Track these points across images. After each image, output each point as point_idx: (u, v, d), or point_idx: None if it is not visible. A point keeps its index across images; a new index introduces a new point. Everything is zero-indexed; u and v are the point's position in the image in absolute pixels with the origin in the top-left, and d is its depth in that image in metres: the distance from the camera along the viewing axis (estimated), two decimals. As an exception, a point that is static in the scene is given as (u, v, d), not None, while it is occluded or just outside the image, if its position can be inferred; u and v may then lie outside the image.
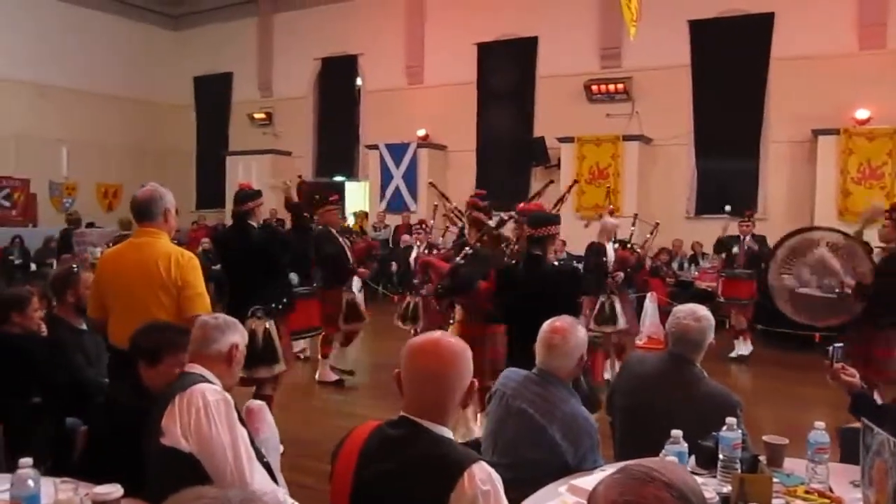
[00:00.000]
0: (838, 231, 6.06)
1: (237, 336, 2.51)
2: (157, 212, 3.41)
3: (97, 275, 3.53)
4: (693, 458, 2.46)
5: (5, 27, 15.25)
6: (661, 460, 1.75)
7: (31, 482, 2.00)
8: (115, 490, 2.04)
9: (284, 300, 5.09)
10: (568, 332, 2.73)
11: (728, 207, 8.96)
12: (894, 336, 5.34)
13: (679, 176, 12.42)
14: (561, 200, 6.27)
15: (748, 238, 8.57)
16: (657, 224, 8.16)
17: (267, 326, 4.88)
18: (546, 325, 2.79)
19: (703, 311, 2.97)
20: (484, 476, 1.70)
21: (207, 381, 2.35)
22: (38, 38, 15.64)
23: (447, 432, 1.83)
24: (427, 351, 1.85)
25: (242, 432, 2.29)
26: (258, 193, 5.12)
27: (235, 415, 2.28)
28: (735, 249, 8.66)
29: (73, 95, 16.30)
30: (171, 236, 3.50)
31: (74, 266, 4.03)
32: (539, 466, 2.54)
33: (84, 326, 3.80)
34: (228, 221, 9.77)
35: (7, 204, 15.10)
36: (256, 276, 4.92)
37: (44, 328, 3.79)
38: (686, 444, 2.36)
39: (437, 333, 1.94)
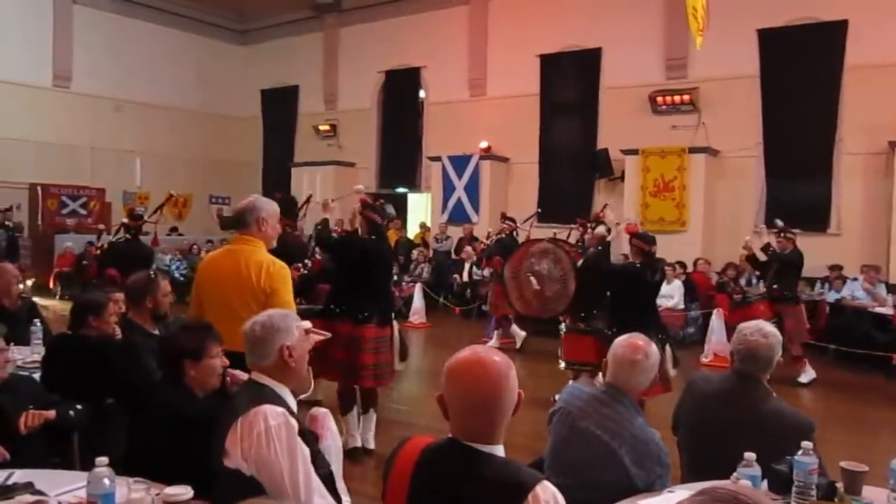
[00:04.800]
0: (546, 239, 7.49)
1: (283, 337, 2.38)
2: (250, 220, 3.56)
3: (197, 278, 3.71)
4: (765, 482, 2.38)
5: (84, 46, 16.00)
6: (741, 485, 1.70)
7: (106, 481, 2.06)
8: (185, 492, 2.09)
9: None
10: (648, 349, 2.71)
11: (779, 222, 8.59)
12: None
13: (747, 189, 12.09)
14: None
15: (785, 254, 8.09)
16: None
17: (398, 327, 5.31)
18: (624, 342, 2.74)
19: (769, 327, 2.91)
20: (548, 497, 1.65)
21: (272, 395, 2.32)
22: (115, 56, 16.34)
23: (500, 450, 1.76)
24: (472, 374, 1.74)
25: (304, 454, 2.23)
26: None
27: (297, 439, 2.23)
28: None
29: (146, 109, 16.95)
30: (268, 245, 3.61)
31: (152, 272, 4.14)
32: (607, 489, 2.49)
33: (156, 331, 3.90)
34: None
35: (83, 212, 15.72)
36: (385, 280, 5.36)
37: (118, 332, 3.93)
38: (759, 468, 2.28)
39: (479, 350, 1.81)
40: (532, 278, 7.04)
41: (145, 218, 8.63)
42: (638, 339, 2.76)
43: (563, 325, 6.52)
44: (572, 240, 8.33)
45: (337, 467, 2.83)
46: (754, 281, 10.97)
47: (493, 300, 9.52)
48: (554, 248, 7.10)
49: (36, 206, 15.22)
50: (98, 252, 10.43)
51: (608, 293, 6.16)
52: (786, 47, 11.61)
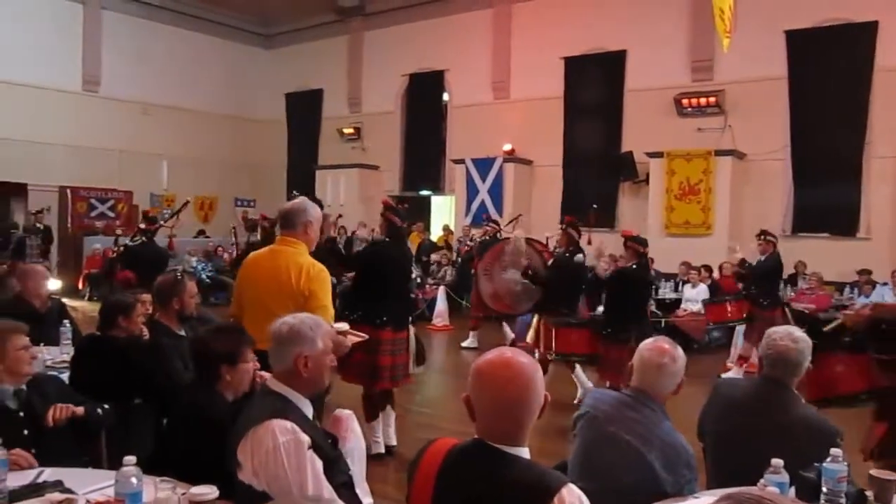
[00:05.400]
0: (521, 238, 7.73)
1: (303, 346, 2.37)
2: (297, 222, 3.61)
3: (240, 276, 3.77)
4: (793, 489, 2.35)
5: (113, 50, 16.25)
6: (767, 490, 1.67)
7: (134, 480, 2.08)
8: (210, 491, 2.10)
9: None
10: (674, 353, 2.68)
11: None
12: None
13: (774, 192, 11.95)
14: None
15: (764, 258, 8.31)
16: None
17: (415, 331, 5.34)
18: (650, 345, 2.71)
19: (798, 332, 2.87)
20: (574, 500, 1.66)
21: (285, 405, 2.32)
22: (142, 60, 16.58)
23: (525, 452, 1.77)
24: (499, 376, 1.75)
25: (315, 469, 2.21)
26: None
27: (306, 454, 2.20)
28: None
29: (173, 112, 17.16)
30: (310, 248, 3.65)
31: (179, 274, 4.19)
32: (634, 493, 2.47)
33: (183, 332, 3.94)
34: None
35: (111, 214, 15.94)
36: (402, 284, 5.34)
37: (146, 332, 3.99)
38: (787, 475, 2.25)
39: (506, 352, 1.83)
40: (504, 276, 7.37)
41: (161, 222, 8.78)
42: (664, 342, 2.73)
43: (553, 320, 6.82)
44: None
45: (359, 469, 2.84)
46: (781, 286, 10.83)
47: (473, 300, 9.68)
48: (526, 247, 7.42)
49: (66, 209, 15.46)
50: (114, 254, 10.61)
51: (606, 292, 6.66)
52: (814, 49, 11.46)
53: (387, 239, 5.26)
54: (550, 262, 7.21)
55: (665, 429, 2.60)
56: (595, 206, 10.51)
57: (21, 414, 2.84)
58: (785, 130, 11.81)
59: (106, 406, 3.16)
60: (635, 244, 6.23)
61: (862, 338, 3.60)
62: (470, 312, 9.90)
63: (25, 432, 2.79)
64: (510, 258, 7.35)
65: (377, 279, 5.09)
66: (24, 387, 2.89)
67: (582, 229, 7.38)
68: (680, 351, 2.71)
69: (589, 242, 8.95)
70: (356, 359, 4.94)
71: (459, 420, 6.02)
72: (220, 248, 15.44)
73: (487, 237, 9.99)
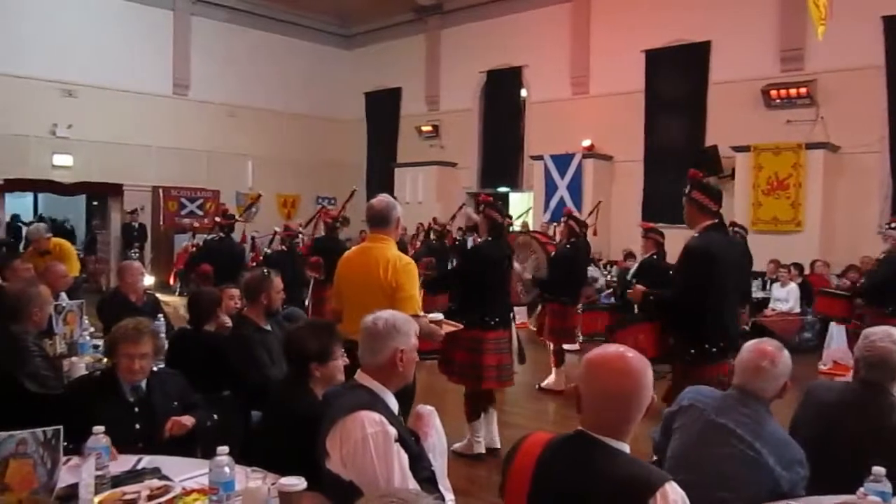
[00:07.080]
0: (524, 232, 8.33)
1: (400, 340, 2.45)
2: (390, 219, 3.81)
3: (338, 273, 3.96)
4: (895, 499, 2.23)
5: (201, 55, 16.85)
6: (869, 501, 1.60)
7: (227, 469, 2.16)
8: (299, 482, 2.16)
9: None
10: (777, 356, 2.60)
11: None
12: (571, 310, 7.25)
13: (870, 187, 11.36)
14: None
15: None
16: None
17: (516, 329, 5.41)
18: (752, 346, 2.65)
19: None
20: (677, 497, 1.64)
21: (373, 399, 2.36)
22: (229, 63, 17.14)
23: (626, 447, 1.77)
24: (611, 369, 1.79)
25: (401, 462, 2.24)
26: None
27: (394, 446, 2.24)
28: None
29: (258, 114, 17.68)
30: (396, 240, 3.86)
31: (266, 270, 4.31)
32: (745, 489, 2.40)
33: (268, 327, 4.06)
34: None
35: (200, 213, 16.56)
36: (504, 282, 5.35)
37: (228, 322, 4.15)
38: (889, 484, 2.14)
39: (619, 346, 1.86)
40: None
41: (237, 218, 9.09)
42: (768, 344, 2.65)
43: (579, 307, 7.46)
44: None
45: (441, 465, 2.85)
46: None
47: None
48: (530, 240, 7.96)
49: (158, 208, 16.16)
50: (194, 249, 11.05)
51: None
52: (915, 35, 10.84)
53: (489, 238, 5.24)
54: (553, 254, 7.57)
55: (773, 425, 2.53)
56: (601, 200, 10.78)
57: (136, 410, 2.98)
58: (882, 121, 11.21)
59: (216, 416, 3.26)
60: (655, 235, 6.86)
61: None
62: None
63: (137, 426, 2.93)
64: (518, 251, 7.50)
65: (483, 281, 5.06)
66: (142, 384, 3.03)
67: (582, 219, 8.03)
68: (784, 354, 2.63)
69: (595, 234, 9.49)
70: (461, 358, 4.98)
71: (539, 418, 6.00)
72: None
73: None
